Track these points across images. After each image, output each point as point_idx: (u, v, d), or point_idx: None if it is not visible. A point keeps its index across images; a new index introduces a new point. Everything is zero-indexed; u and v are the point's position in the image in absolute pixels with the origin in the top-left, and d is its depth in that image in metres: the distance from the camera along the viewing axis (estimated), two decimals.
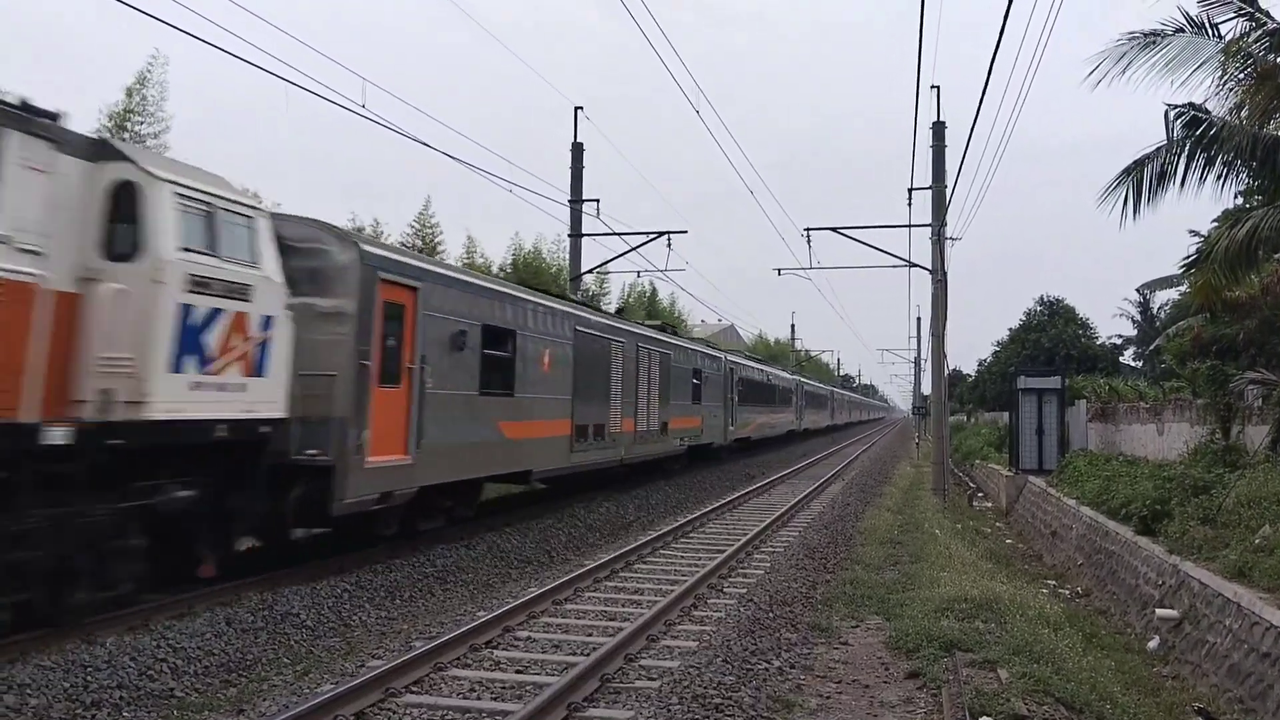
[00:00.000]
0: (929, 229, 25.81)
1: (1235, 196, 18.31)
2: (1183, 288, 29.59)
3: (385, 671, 7.23)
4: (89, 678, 7.10)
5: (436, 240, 31.47)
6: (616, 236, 27.23)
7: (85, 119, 19.23)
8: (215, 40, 10.97)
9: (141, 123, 18.67)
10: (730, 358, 33.00)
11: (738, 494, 22.76)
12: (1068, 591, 15.29)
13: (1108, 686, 8.22)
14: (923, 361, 60.09)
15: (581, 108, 26.42)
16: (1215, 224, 21.23)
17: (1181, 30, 15.08)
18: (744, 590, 11.37)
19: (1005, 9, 10.66)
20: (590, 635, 9.17)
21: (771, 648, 8.73)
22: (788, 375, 49.58)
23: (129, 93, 18.46)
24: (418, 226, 31.46)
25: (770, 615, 10.04)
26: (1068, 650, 8.85)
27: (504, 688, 7.41)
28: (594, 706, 7.05)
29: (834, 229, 26.63)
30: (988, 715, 6.67)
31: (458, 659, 8.09)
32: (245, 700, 7.15)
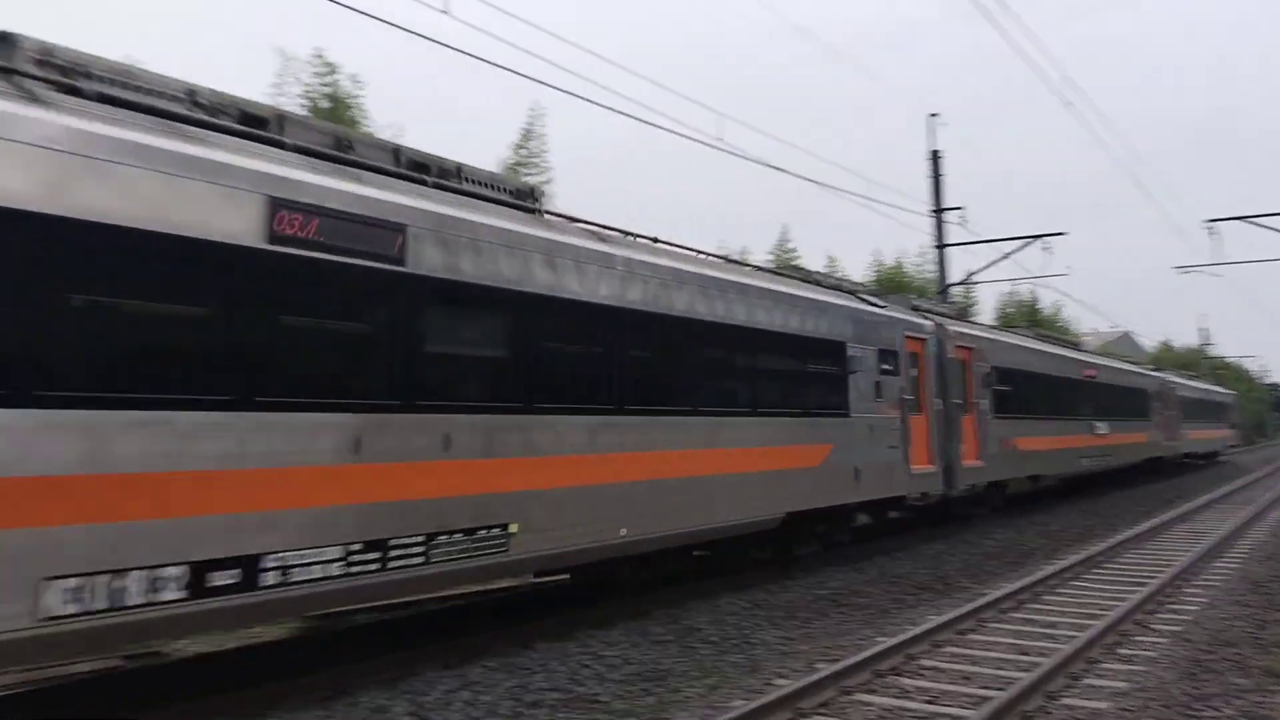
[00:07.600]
0: None
1: None
2: None
3: (793, 692, 7.26)
4: (527, 680, 7.83)
5: (795, 265, 31.88)
6: (985, 244, 26.01)
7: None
8: (583, 93, 11.90)
9: (528, 173, 20.36)
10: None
11: (1155, 520, 20.47)
12: None
13: None
14: None
15: (937, 114, 25.71)
16: None
17: None
18: (1177, 628, 10.17)
19: None
20: (1001, 669, 8.62)
21: (1219, 693, 7.71)
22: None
23: (516, 148, 20.25)
24: (778, 254, 32.11)
25: (1212, 657, 8.89)
26: None
27: (915, 718, 7.17)
28: None
29: (1243, 218, 23.65)
30: None
31: (862, 684, 7.96)
32: (663, 710, 7.48)
